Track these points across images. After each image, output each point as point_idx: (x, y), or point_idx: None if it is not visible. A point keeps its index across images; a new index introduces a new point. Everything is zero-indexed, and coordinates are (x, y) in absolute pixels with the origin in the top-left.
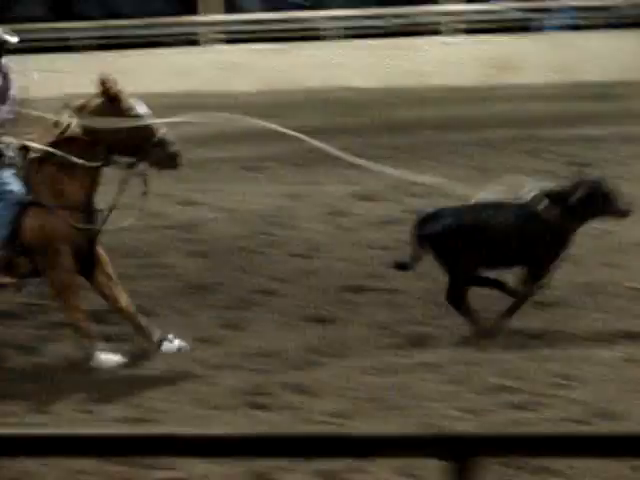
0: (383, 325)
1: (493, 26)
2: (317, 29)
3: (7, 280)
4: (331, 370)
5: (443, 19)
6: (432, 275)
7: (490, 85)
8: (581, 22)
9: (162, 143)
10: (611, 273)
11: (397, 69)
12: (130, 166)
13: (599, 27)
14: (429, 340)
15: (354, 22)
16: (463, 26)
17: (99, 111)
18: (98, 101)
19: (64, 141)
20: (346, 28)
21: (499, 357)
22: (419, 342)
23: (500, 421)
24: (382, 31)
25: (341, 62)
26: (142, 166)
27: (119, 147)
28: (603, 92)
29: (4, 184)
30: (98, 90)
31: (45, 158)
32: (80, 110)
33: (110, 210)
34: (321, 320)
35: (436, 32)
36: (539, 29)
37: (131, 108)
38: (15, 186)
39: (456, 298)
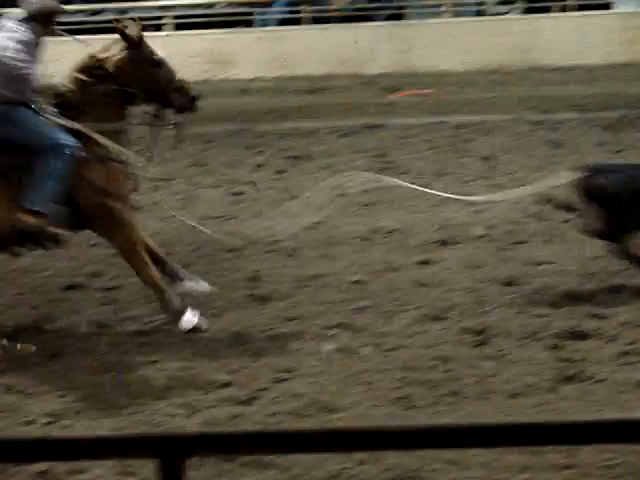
0: (102, 323)
1: (206, 21)
2: None
3: (63, 232)
4: (48, 370)
5: (157, 14)
6: None
7: (205, 79)
8: (295, 16)
9: (182, 86)
10: (327, 265)
11: None
12: (157, 116)
13: (314, 21)
14: (148, 337)
15: (65, 18)
16: (176, 21)
17: (125, 61)
18: (120, 51)
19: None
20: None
21: (220, 353)
22: (138, 340)
23: (221, 417)
24: (96, 27)
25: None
26: (173, 116)
27: (143, 94)
28: (318, 85)
29: (54, 136)
30: (118, 38)
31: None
32: (104, 62)
33: (147, 161)
34: (41, 320)
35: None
36: (254, 24)
37: (154, 52)
38: (65, 137)
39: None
